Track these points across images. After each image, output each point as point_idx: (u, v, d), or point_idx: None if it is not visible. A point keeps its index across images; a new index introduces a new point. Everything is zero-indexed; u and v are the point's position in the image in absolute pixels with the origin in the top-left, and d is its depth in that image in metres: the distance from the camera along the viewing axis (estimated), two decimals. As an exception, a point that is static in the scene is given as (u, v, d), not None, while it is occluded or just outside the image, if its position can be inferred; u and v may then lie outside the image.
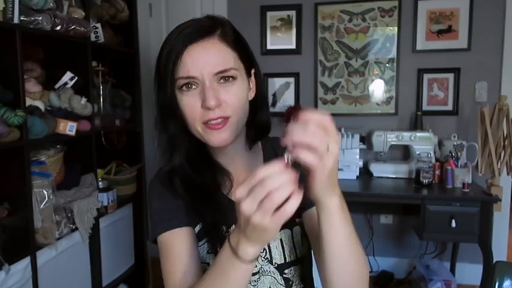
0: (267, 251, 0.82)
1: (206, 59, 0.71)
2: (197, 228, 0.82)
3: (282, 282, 0.82)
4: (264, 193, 0.52)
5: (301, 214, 0.84)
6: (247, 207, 0.54)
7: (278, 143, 0.90)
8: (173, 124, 0.78)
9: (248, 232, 0.57)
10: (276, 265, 0.82)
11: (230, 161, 0.84)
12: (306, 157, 0.53)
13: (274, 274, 0.82)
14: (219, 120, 0.73)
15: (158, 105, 0.78)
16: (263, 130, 0.86)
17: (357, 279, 0.68)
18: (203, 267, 0.80)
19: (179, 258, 0.76)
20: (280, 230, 0.82)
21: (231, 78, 0.73)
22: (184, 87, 0.73)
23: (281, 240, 0.83)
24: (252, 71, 0.81)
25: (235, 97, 0.74)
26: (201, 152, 0.83)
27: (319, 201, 0.61)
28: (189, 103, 0.73)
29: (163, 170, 0.84)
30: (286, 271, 0.83)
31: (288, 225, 0.83)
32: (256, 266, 0.81)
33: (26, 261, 1.53)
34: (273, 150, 0.89)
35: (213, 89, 0.71)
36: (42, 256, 1.63)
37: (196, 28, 0.72)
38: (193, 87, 0.72)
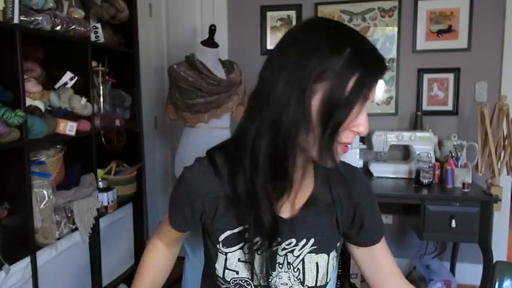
0: (301, 271, 0.81)
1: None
2: (229, 232, 0.80)
3: None
4: None
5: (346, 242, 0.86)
6: None
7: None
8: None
9: None
10: (307, 287, 0.81)
11: (299, 176, 0.79)
12: None
13: None
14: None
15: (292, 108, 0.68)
16: None
17: None
18: (230, 275, 0.79)
19: (168, 236, 0.93)
20: (318, 254, 0.80)
21: None
22: None
23: (317, 263, 0.81)
24: None
25: None
26: (283, 161, 0.76)
27: None
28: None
29: (217, 160, 0.80)
30: None
31: (325, 249, 0.82)
32: (287, 284, 0.80)
33: (26, 261, 1.53)
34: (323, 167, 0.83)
35: None
36: (42, 256, 1.62)
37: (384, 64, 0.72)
38: None
